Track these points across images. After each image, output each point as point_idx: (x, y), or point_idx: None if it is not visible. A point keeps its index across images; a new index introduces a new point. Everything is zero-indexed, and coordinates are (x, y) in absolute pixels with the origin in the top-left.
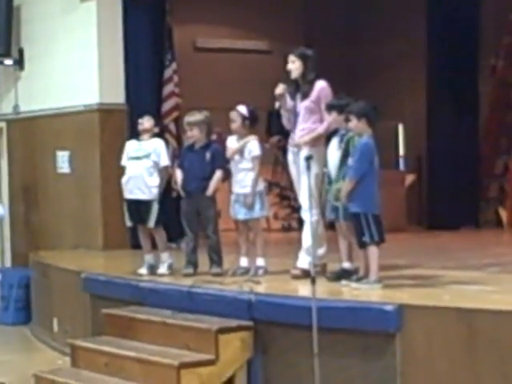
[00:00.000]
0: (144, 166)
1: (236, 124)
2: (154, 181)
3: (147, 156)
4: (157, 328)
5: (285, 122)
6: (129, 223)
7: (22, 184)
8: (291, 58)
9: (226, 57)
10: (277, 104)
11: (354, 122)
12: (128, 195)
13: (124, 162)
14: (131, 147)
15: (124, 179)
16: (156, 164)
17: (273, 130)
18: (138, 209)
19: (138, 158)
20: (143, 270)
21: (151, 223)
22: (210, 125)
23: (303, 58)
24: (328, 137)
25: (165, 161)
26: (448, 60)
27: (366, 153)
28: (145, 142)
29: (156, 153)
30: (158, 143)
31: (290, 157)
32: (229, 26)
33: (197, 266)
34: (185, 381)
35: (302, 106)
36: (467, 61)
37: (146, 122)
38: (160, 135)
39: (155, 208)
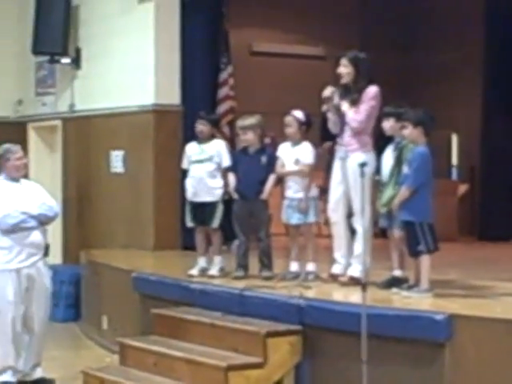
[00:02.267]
0: (207, 169)
1: (291, 129)
2: (218, 182)
3: (210, 159)
4: (206, 329)
5: (331, 125)
6: (190, 224)
7: (75, 182)
8: (343, 61)
9: (281, 61)
10: (324, 107)
11: (409, 130)
12: (192, 198)
13: (185, 165)
14: (192, 150)
15: (187, 182)
16: (219, 166)
17: (326, 135)
18: (203, 210)
19: (200, 162)
20: (194, 272)
21: (215, 224)
22: (263, 128)
23: (356, 62)
24: (382, 144)
25: (226, 162)
26: (504, 69)
27: (424, 162)
28: (206, 145)
29: (218, 155)
30: (220, 145)
31: (337, 163)
32: (284, 30)
33: (247, 269)
34: (232, 383)
35: (351, 111)
36: None
37: (202, 126)
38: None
39: (220, 209)
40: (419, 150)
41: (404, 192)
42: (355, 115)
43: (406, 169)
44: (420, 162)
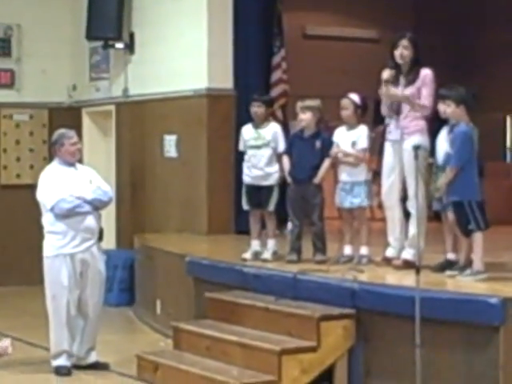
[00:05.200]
0: (264, 154)
1: (348, 112)
2: (275, 167)
3: (267, 144)
4: (259, 313)
5: (383, 108)
6: (246, 207)
7: (129, 167)
8: (404, 42)
9: (334, 45)
10: (383, 89)
11: (452, 109)
12: (249, 181)
13: (242, 147)
14: (249, 134)
15: (244, 166)
16: (275, 150)
17: (379, 118)
18: (259, 193)
19: (257, 147)
20: (247, 255)
21: (271, 207)
22: (321, 113)
23: (415, 43)
24: (437, 127)
25: (282, 146)
26: None
27: (465, 141)
28: (263, 130)
29: (275, 139)
30: (276, 129)
31: (389, 146)
32: (338, 13)
33: (300, 252)
34: (286, 367)
35: (406, 93)
36: None
37: (257, 108)
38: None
39: (276, 192)
40: (459, 129)
41: (449, 173)
42: (425, 102)
43: (449, 149)
44: (461, 141)
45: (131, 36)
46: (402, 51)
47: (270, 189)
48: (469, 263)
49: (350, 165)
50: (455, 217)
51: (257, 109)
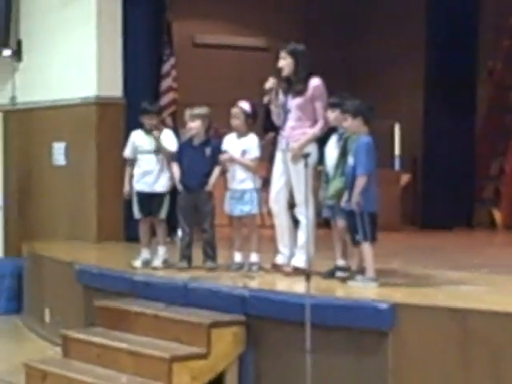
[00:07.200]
0: (157, 159)
1: (238, 121)
2: (166, 174)
3: (159, 150)
4: (149, 321)
5: (275, 117)
6: (138, 215)
7: (17, 175)
8: (282, 54)
9: (224, 53)
10: (265, 99)
11: (349, 121)
12: (141, 188)
13: (128, 153)
14: (141, 140)
15: (137, 172)
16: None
17: (269, 126)
18: (151, 201)
19: (151, 152)
20: (137, 263)
21: (162, 215)
22: (210, 120)
23: (294, 54)
24: (326, 135)
25: (172, 147)
26: (446, 60)
27: (370, 151)
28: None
29: (168, 144)
30: (168, 135)
31: (279, 154)
32: (228, 22)
33: (191, 260)
34: (176, 374)
35: (294, 103)
36: (465, 61)
37: (150, 121)
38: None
39: (167, 200)
40: (364, 140)
41: (361, 181)
42: (319, 125)
43: (351, 160)
44: (366, 151)
45: (19, 43)
46: (281, 62)
47: (161, 196)
48: (360, 270)
49: (241, 170)
50: (346, 225)
51: (150, 122)
